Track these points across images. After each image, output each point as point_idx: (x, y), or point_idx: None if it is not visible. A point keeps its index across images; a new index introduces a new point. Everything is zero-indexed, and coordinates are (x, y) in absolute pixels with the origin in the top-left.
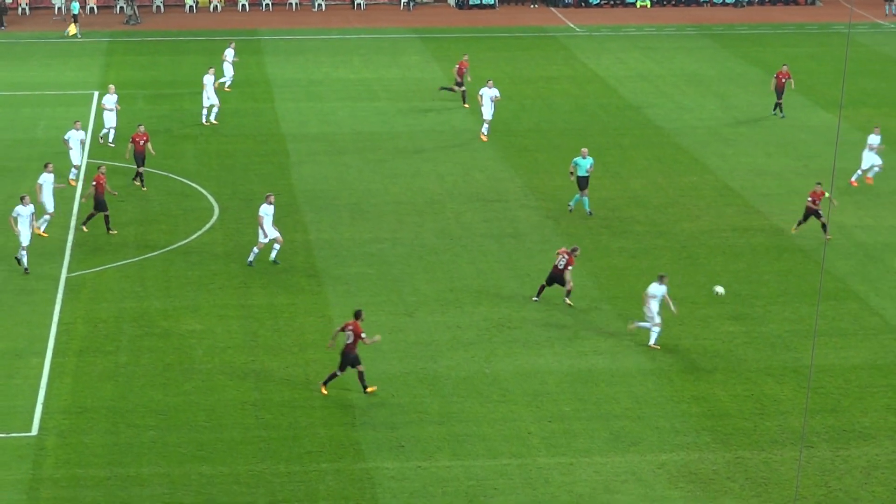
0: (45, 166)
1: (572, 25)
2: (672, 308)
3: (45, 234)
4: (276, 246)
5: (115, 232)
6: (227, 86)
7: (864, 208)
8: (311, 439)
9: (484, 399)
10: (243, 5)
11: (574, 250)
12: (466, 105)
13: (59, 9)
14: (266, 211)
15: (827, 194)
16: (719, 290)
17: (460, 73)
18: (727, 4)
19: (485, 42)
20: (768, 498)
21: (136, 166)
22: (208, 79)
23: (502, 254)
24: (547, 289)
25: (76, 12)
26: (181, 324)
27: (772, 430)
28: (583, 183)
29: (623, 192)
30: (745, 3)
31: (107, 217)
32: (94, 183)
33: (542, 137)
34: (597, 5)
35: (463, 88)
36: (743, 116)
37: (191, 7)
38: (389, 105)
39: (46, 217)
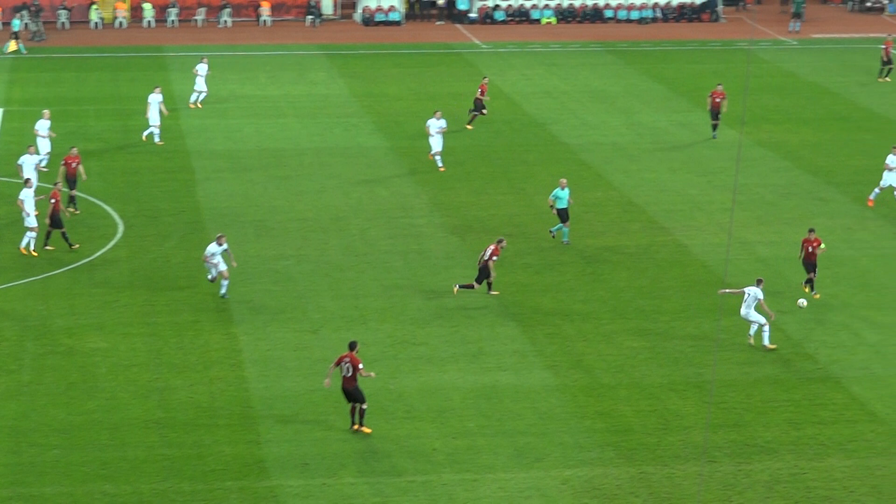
0: (26, 182)
1: (478, 42)
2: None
3: (35, 254)
4: (224, 282)
5: (77, 246)
6: (198, 101)
7: (766, 224)
8: (215, 458)
9: (389, 416)
10: (148, 22)
11: (500, 241)
12: (470, 127)
13: None
14: (213, 250)
15: (823, 245)
16: (802, 302)
17: (482, 94)
18: (631, 21)
19: (390, 59)
20: None
21: (67, 189)
22: (154, 97)
23: (407, 270)
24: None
25: (16, 27)
26: (85, 342)
27: (675, 445)
28: (563, 215)
29: (528, 208)
30: (648, 20)
31: (64, 234)
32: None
33: (448, 154)
34: (502, 22)
35: (484, 111)
36: (647, 132)
37: (96, 24)
38: (295, 122)
39: (30, 234)
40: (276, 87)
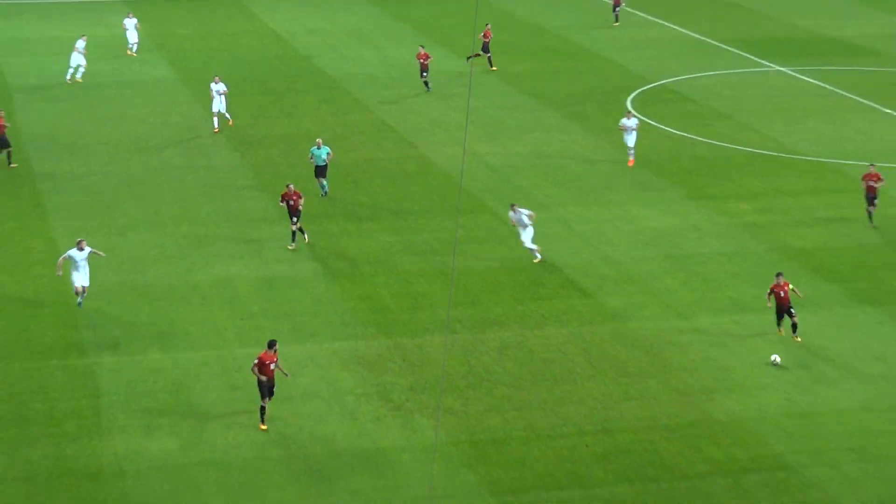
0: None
1: None
2: None
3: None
4: (83, 294)
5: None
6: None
7: (494, 138)
8: (40, 340)
9: (186, 303)
10: None
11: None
12: (494, 68)
13: None
14: (75, 255)
15: (791, 286)
16: (776, 358)
17: (486, 38)
18: None
19: (178, 3)
20: (421, 375)
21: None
22: (80, 43)
23: (198, 182)
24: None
25: None
26: None
27: (424, 320)
28: (321, 171)
29: (297, 129)
30: None
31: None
32: None
33: (229, 83)
34: None
35: (489, 54)
36: (396, 65)
37: None
38: (100, 60)
39: None
40: (78, 29)
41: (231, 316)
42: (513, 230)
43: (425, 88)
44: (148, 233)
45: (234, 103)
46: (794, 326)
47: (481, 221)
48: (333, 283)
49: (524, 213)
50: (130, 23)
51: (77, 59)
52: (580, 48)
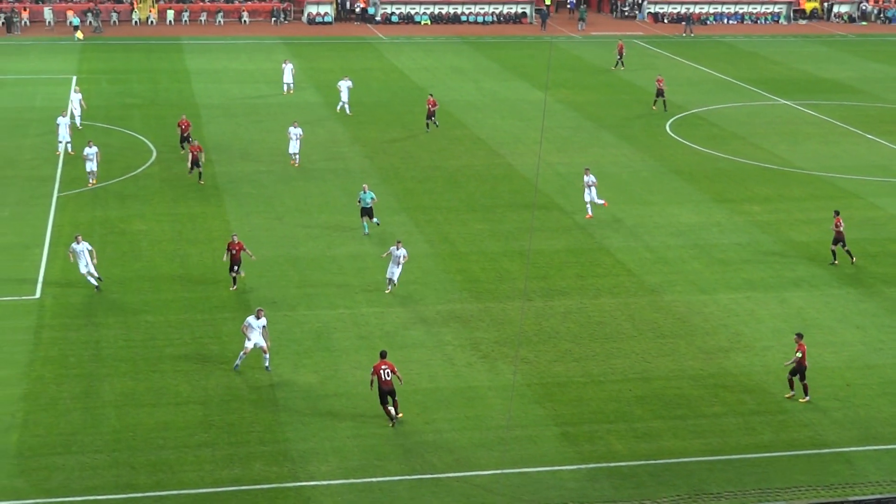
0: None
1: (380, 35)
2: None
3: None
4: (266, 355)
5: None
6: (290, 89)
7: (562, 151)
8: (217, 297)
9: (326, 272)
10: (169, 20)
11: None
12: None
13: (50, 22)
14: (252, 323)
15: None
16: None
17: (620, 51)
18: (478, 23)
19: (325, 45)
20: (503, 331)
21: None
22: (286, 66)
23: (337, 180)
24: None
25: (77, 24)
26: (132, 225)
27: (506, 290)
28: (368, 212)
29: (413, 142)
30: (489, 22)
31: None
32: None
33: (362, 106)
34: (396, 23)
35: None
36: (488, 94)
37: (135, 21)
38: (265, 86)
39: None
40: (252, 64)
41: (361, 282)
42: (577, 223)
43: (425, 129)
44: (299, 218)
45: (366, 122)
46: (792, 381)
47: (551, 215)
48: (438, 260)
49: (593, 178)
50: (287, 67)
51: (287, 77)
52: (629, 84)
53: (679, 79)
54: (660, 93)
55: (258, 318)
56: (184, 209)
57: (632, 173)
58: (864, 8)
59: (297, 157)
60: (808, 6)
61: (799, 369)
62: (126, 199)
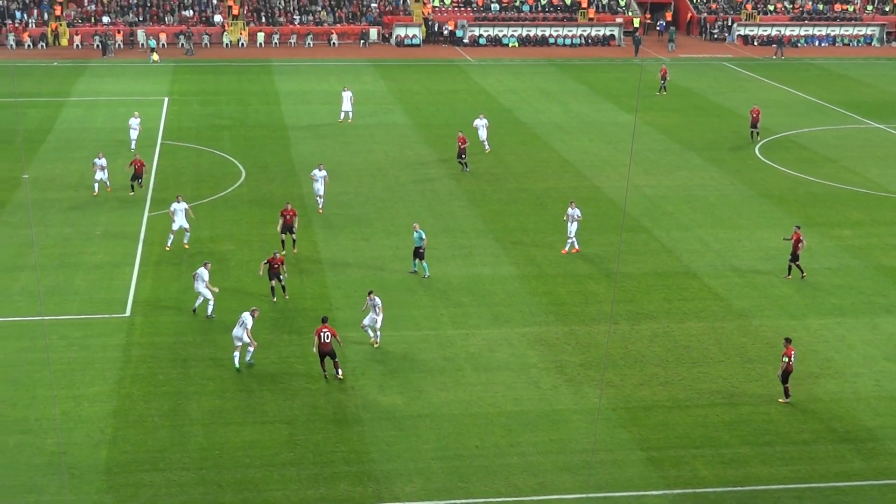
0: (177, 198)
1: (468, 58)
2: None
3: (187, 246)
4: (250, 349)
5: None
6: (348, 117)
7: (650, 174)
8: (303, 317)
9: (412, 293)
10: (259, 43)
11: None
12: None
13: (142, 44)
14: (245, 321)
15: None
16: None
17: (663, 76)
18: (566, 46)
19: (413, 68)
20: (589, 355)
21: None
22: (346, 94)
23: (424, 201)
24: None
25: (154, 46)
26: (221, 246)
27: (592, 312)
28: (418, 253)
29: (500, 164)
30: (576, 45)
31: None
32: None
33: (449, 127)
34: (484, 45)
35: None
36: (575, 117)
37: (226, 44)
38: (354, 107)
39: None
40: (340, 85)
41: (445, 304)
42: (664, 245)
43: (462, 169)
44: (386, 238)
45: (454, 144)
46: (786, 392)
47: (639, 238)
48: (524, 282)
49: (578, 212)
50: (346, 95)
51: (346, 105)
52: (718, 106)
53: (769, 101)
54: (754, 123)
55: (253, 315)
56: (272, 230)
57: (720, 196)
58: None
59: (322, 202)
60: None
61: (786, 373)
62: (215, 219)
